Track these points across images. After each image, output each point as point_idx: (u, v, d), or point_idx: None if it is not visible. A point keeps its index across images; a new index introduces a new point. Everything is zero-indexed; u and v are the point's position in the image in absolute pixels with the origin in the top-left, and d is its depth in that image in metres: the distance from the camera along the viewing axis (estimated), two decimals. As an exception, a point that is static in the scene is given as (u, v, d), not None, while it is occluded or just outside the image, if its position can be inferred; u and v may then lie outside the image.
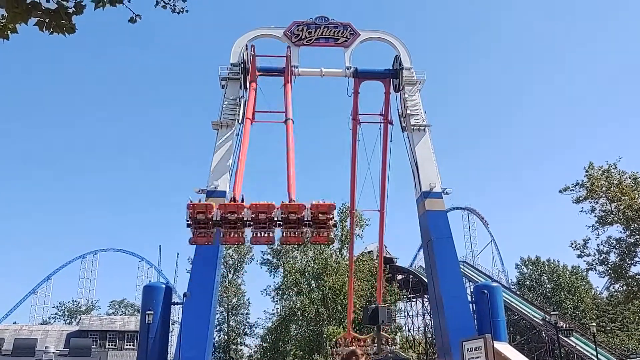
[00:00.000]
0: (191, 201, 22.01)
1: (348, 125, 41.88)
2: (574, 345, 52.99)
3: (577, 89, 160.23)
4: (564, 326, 50.49)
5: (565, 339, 50.26)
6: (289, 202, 22.35)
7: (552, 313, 43.12)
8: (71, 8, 5.17)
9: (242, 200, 22.42)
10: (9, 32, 5.31)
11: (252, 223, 21.67)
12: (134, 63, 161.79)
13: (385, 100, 41.24)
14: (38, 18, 5.11)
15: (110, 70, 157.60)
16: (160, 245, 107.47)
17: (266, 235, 22.22)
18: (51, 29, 5.17)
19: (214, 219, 21.54)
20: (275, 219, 21.50)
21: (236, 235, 22.43)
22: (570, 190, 30.19)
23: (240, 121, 39.00)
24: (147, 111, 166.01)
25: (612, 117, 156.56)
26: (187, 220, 21.68)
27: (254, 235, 22.27)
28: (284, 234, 22.21)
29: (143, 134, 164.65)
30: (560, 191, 30.71)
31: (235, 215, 21.45)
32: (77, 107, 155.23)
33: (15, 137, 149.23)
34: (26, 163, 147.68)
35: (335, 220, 22.35)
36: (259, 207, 21.42)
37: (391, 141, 41.24)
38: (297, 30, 39.11)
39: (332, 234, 22.60)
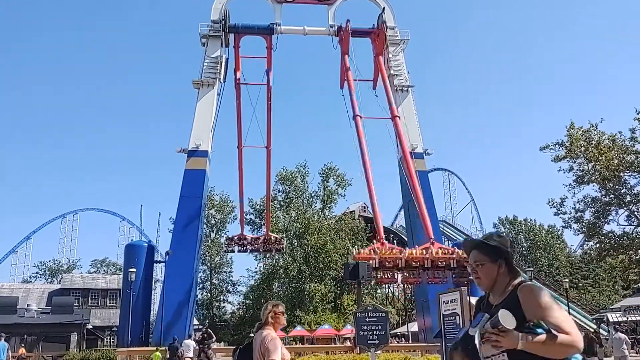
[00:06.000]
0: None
1: (338, 88, 41.46)
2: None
3: (567, 48, 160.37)
4: None
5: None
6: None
7: (527, 270, 44.44)
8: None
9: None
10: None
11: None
12: (113, 21, 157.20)
13: (376, 61, 41.03)
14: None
15: (89, 30, 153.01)
16: (141, 205, 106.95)
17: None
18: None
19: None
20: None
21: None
22: (550, 148, 30.37)
23: (221, 80, 38.49)
24: (129, 71, 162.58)
25: (594, 78, 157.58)
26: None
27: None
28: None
29: (125, 95, 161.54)
30: (540, 149, 30.89)
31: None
32: (62, 69, 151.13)
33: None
34: (8, 123, 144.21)
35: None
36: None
37: (376, 96, 41.51)
38: (280, -14, 38.26)
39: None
